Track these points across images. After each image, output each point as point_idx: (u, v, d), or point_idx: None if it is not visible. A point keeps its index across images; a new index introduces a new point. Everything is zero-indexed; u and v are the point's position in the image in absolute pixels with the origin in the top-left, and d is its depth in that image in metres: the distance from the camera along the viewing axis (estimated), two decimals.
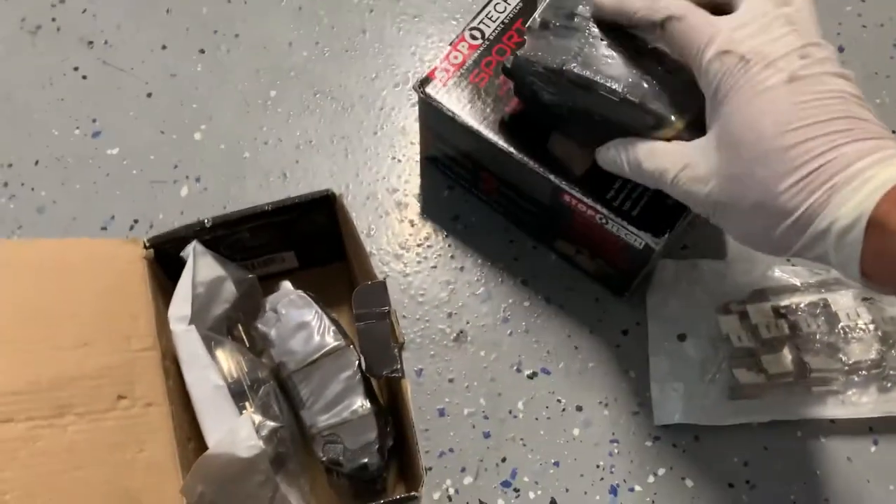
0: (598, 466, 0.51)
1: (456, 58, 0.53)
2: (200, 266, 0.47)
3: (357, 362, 0.46)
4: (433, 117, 0.53)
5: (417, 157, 0.61)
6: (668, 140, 0.43)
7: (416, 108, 0.56)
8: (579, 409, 0.53)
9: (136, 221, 0.58)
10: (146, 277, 0.46)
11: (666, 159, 0.41)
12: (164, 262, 0.49)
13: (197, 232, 0.48)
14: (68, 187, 0.59)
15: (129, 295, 0.45)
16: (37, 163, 0.60)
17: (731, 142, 0.38)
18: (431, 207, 0.59)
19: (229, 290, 0.49)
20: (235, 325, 0.50)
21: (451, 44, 0.53)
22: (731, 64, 0.37)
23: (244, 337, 0.50)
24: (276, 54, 0.65)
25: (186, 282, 0.46)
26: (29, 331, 0.41)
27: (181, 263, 0.47)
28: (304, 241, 0.53)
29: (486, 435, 0.52)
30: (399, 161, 0.61)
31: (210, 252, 0.48)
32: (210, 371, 0.43)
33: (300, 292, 0.49)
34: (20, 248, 0.44)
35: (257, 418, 0.43)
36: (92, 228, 0.58)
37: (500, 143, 0.50)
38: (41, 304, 0.41)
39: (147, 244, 0.47)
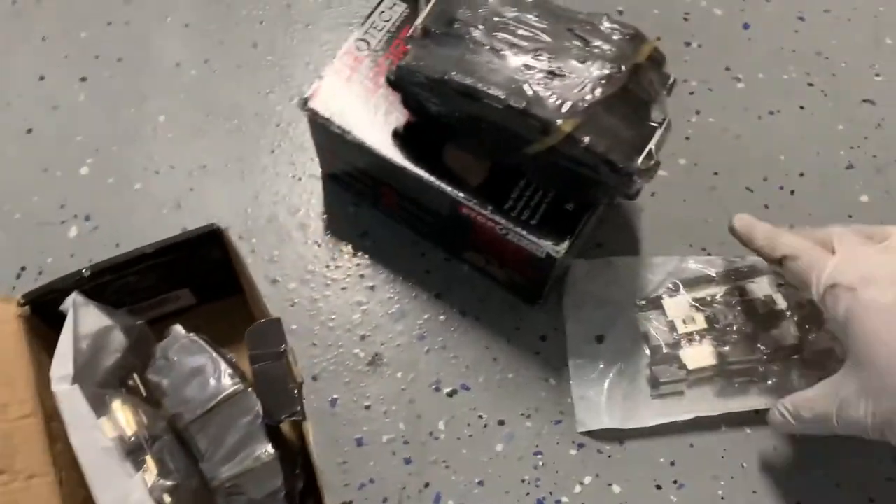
0: (523, 481, 0.50)
1: (342, 71, 0.50)
2: (83, 318, 0.44)
3: (258, 406, 0.44)
4: (323, 134, 0.51)
5: (319, 174, 0.58)
6: (555, 145, 0.42)
7: None
8: (501, 423, 0.52)
9: (23, 269, 0.55)
10: (22, 337, 0.43)
11: (822, 403, 0.43)
12: (46, 315, 0.46)
13: (76, 282, 0.45)
14: None
15: (4, 359, 0.42)
16: None
17: (868, 360, 0.41)
18: (337, 226, 0.57)
19: (118, 339, 0.46)
20: (130, 374, 0.47)
21: (335, 57, 0.51)
22: (842, 294, 0.42)
23: (140, 387, 0.47)
24: (163, 76, 0.62)
25: (67, 338, 0.43)
26: None
27: (62, 316, 0.44)
28: (197, 277, 0.50)
29: (408, 461, 0.50)
30: (300, 179, 0.58)
31: (93, 302, 0.45)
32: (96, 432, 0.41)
33: (192, 336, 0.46)
34: None
35: (151, 478, 0.40)
36: None
37: (393, 157, 0.48)
38: None
39: (22, 301, 0.44)
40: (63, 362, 0.42)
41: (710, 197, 0.58)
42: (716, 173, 0.59)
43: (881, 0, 0.65)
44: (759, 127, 0.60)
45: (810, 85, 0.62)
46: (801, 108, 0.61)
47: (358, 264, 0.56)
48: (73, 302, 0.44)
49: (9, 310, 0.44)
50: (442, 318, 0.54)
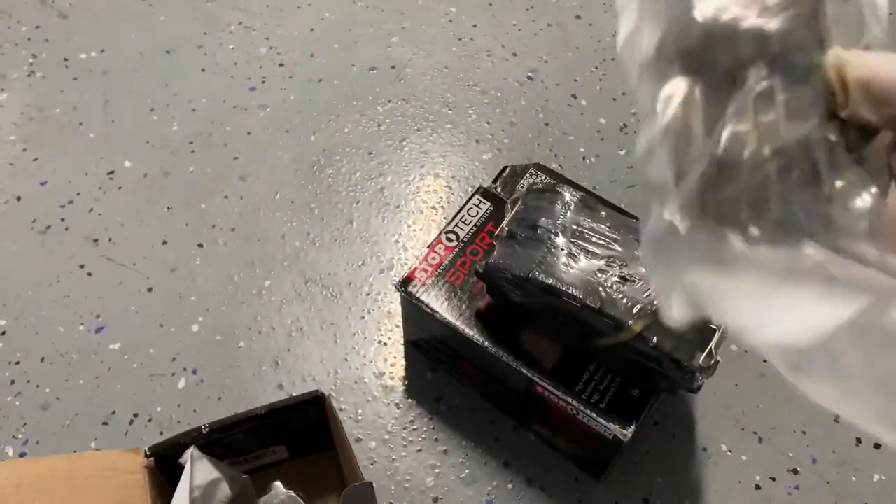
0: None
1: (434, 259, 0.58)
2: (197, 471, 0.50)
3: None
4: (414, 312, 0.58)
5: (402, 340, 0.65)
6: (626, 340, 0.48)
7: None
8: None
9: (135, 416, 0.61)
10: (147, 488, 0.49)
11: None
12: (163, 465, 0.51)
13: (194, 438, 0.51)
14: (72, 383, 0.63)
15: None
16: (42, 359, 0.64)
17: None
18: (416, 389, 0.63)
19: (224, 490, 0.51)
20: None
21: (429, 245, 0.58)
22: None
23: None
24: (270, 245, 0.70)
25: (184, 489, 0.48)
26: None
27: (178, 466, 0.50)
28: (294, 435, 0.56)
29: None
30: (385, 344, 0.65)
31: (206, 456, 0.51)
32: None
33: (290, 493, 0.51)
34: (29, 468, 0.47)
35: None
36: (94, 424, 0.61)
37: (476, 337, 0.55)
38: None
39: (148, 453, 0.50)
40: None
41: (760, 382, 0.63)
42: (764, 361, 0.64)
43: None
44: None
45: None
46: None
47: (433, 427, 0.61)
48: (191, 455, 0.50)
49: (136, 460, 0.50)
50: (510, 486, 0.59)
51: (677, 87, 0.22)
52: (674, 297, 0.23)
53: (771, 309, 0.21)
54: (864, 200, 0.22)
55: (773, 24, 0.22)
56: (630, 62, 0.24)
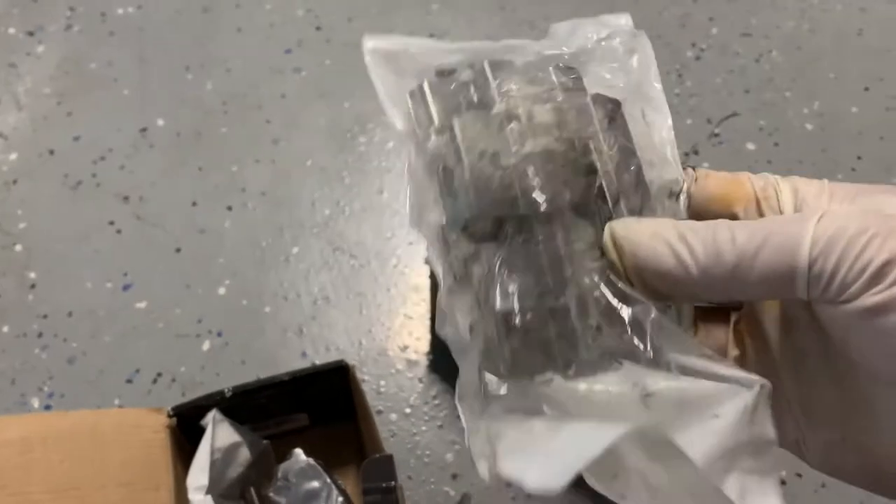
0: None
1: None
2: (219, 433, 0.50)
3: None
4: None
5: (428, 315, 0.64)
6: None
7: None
8: None
9: (159, 375, 0.61)
10: (168, 447, 0.49)
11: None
12: (185, 426, 0.51)
13: (217, 401, 0.50)
14: (98, 339, 0.63)
15: (152, 465, 0.48)
16: (70, 314, 0.64)
17: None
18: (440, 366, 0.62)
19: (244, 454, 0.51)
20: (248, 487, 0.52)
21: None
22: None
23: (255, 499, 0.52)
24: (299, 212, 0.70)
25: (205, 451, 0.48)
26: (61, 503, 0.43)
27: (199, 427, 0.50)
28: (316, 403, 0.55)
29: None
30: (411, 318, 0.64)
31: (227, 419, 0.51)
32: None
33: (311, 460, 0.51)
34: (55, 421, 0.47)
35: None
36: (118, 381, 0.61)
37: None
38: (73, 478, 0.44)
39: (171, 413, 0.50)
40: (199, 474, 0.48)
41: None
42: None
43: None
44: None
45: None
46: None
47: (456, 404, 0.60)
48: (213, 418, 0.50)
49: (160, 419, 0.50)
50: None
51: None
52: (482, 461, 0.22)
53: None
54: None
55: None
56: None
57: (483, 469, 0.21)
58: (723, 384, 0.20)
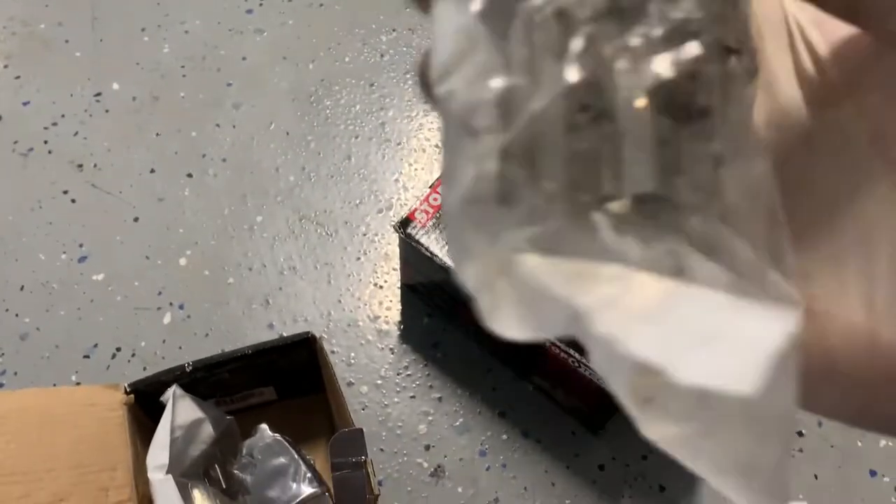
0: None
1: (435, 200, 0.55)
2: (179, 410, 0.47)
3: None
4: (413, 255, 0.55)
5: (399, 284, 0.62)
6: None
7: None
8: None
9: (118, 350, 0.59)
10: (126, 425, 0.47)
11: None
12: (144, 402, 0.49)
13: (177, 376, 0.48)
14: (52, 314, 0.60)
15: (108, 445, 0.46)
16: (22, 288, 0.61)
17: None
18: (412, 335, 0.60)
19: (207, 431, 0.49)
20: (213, 464, 0.50)
21: (430, 186, 0.55)
22: None
23: (220, 477, 0.50)
24: (262, 178, 0.67)
25: (165, 428, 0.46)
26: (6, 488, 0.41)
27: (161, 404, 0.48)
28: (283, 376, 0.53)
29: None
30: (381, 287, 0.62)
31: (189, 395, 0.48)
32: None
33: (277, 436, 0.49)
34: (3, 401, 0.45)
35: None
36: (74, 357, 0.58)
37: None
38: (20, 460, 0.41)
39: (128, 389, 0.48)
40: (159, 452, 0.45)
41: None
42: None
43: None
44: None
45: None
46: None
47: (428, 374, 0.59)
48: (174, 394, 0.48)
49: (116, 397, 0.47)
50: (504, 437, 0.57)
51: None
52: (501, 298, 0.14)
53: (697, 335, 0.14)
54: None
55: None
56: None
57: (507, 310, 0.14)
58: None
